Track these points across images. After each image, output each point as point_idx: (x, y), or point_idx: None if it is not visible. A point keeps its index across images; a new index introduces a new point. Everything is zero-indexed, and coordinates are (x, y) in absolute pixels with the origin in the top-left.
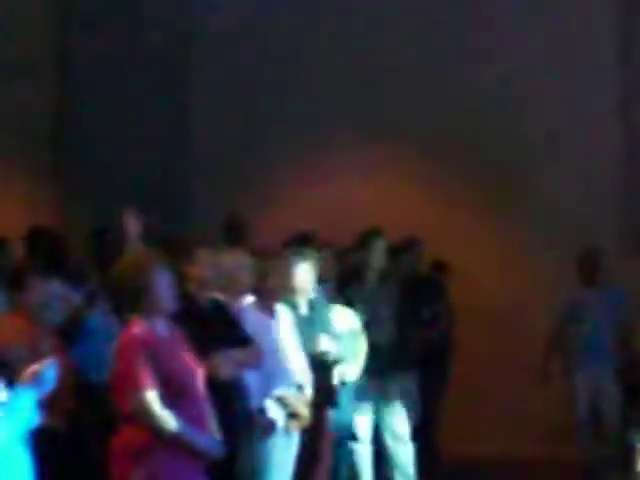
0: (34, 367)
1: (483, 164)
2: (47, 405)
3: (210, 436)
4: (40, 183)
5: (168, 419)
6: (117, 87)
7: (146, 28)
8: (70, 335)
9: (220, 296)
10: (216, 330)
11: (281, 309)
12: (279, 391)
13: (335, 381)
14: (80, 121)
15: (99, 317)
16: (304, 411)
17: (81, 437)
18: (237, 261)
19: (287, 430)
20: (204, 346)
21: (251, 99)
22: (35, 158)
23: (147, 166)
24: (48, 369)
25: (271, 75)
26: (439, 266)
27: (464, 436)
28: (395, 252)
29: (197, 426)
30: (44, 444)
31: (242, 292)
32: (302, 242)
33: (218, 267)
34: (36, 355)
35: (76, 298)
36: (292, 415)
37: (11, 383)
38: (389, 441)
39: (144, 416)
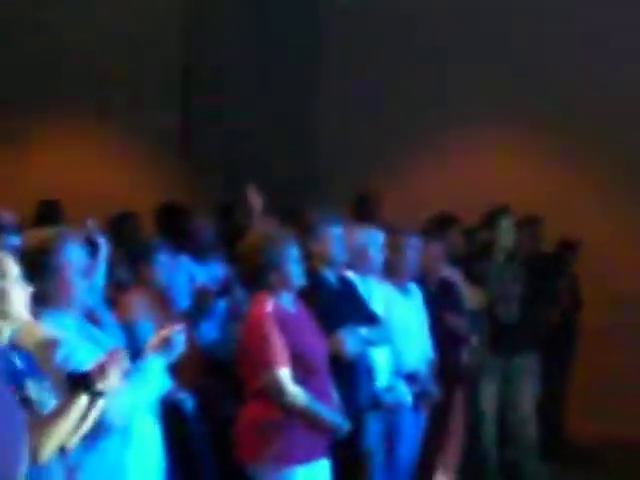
0: (162, 332)
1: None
2: (175, 378)
3: (336, 413)
4: (168, 159)
5: (298, 395)
6: (247, 62)
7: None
8: (197, 316)
9: (349, 272)
10: (343, 307)
11: (412, 286)
12: (407, 369)
13: (464, 358)
14: (207, 95)
15: (230, 301)
16: (433, 389)
17: (208, 412)
18: (367, 237)
19: (415, 408)
20: (331, 323)
21: (379, 70)
22: (163, 134)
23: (275, 142)
24: (176, 334)
25: (399, 43)
26: (567, 245)
27: (591, 416)
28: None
29: (324, 401)
30: (171, 415)
31: (372, 269)
32: (444, 223)
33: (347, 243)
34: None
35: (203, 275)
36: (421, 393)
37: (136, 355)
38: (514, 420)
39: (275, 392)
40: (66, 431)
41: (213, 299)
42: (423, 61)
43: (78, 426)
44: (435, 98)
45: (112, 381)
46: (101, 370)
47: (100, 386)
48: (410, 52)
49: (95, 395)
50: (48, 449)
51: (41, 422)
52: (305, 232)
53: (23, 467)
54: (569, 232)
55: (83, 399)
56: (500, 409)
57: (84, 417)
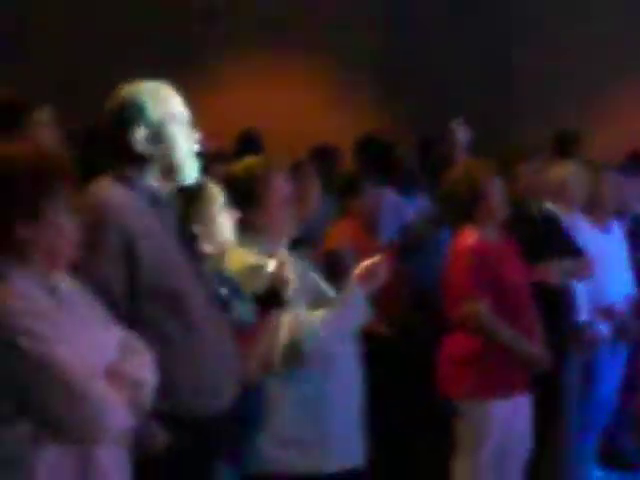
0: (364, 263)
1: None
2: (377, 308)
3: (538, 346)
4: (369, 94)
5: (499, 327)
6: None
7: None
8: (407, 249)
9: (551, 206)
10: (547, 239)
11: (613, 222)
12: (607, 304)
13: None
14: (406, 38)
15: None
16: (633, 324)
17: (408, 345)
18: (568, 172)
19: (614, 344)
20: (535, 254)
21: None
22: (363, 72)
23: (472, 81)
24: (379, 265)
25: None
26: None
27: None
28: None
29: (526, 335)
30: (370, 346)
31: (573, 204)
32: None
33: (549, 178)
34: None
35: (408, 209)
36: (620, 328)
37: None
38: None
39: (476, 325)
40: (268, 350)
41: (423, 231)
42: None
43: (276, 344)
44: None
45: (292, 286)
46: (280, 280)
47: (286, 295)
48: None
49: (284, 305)
50: (254, 369)
51: (244, 344)
52: (505, 167)
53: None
54: None
55: (277, 313)
56: None
57: (279, 333)
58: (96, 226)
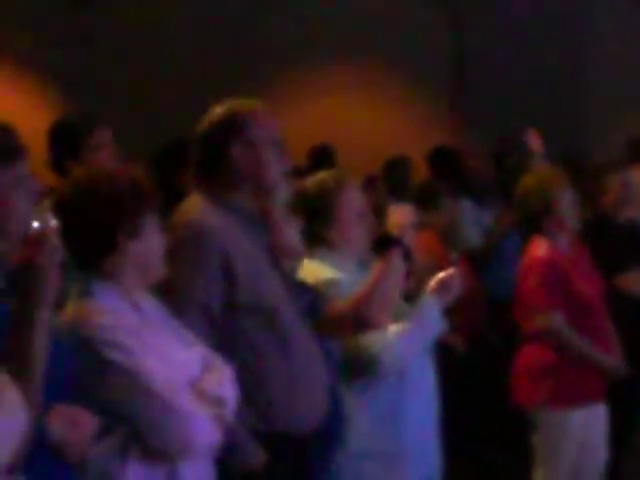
0: (439, 276)
1: None
2: (452, 325)
3: (614, 355)
4: (439, 108)
5: (573, 338)
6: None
7: None
8: (484, 259)
9: (630, 215)
10: (629, 249)
11: None
12: None
13: None
14: (479, 50)
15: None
16: None
17: (483, 357)
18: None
19: None
20: (618, 265)
21: None
22: (435, 84)
23: (544, 92)
24: (453, 278)
25: None
26: None
27: None
28: None
29: (600, 345)
30: (442, 360)
31: None
32: None
33: (627, 186)
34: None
35: (485, 219)
36: None
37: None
38: None
39: (549, 336)
40: (391, 292)
41: (501, 241)
42: None
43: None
44: None
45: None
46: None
47: (406, 240)
48: None
49: (405, 249)
50: (375, 309)
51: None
52: (587, 178)
53: None
54: None
55: (398, 254)
56: None
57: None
58: (192, 244)
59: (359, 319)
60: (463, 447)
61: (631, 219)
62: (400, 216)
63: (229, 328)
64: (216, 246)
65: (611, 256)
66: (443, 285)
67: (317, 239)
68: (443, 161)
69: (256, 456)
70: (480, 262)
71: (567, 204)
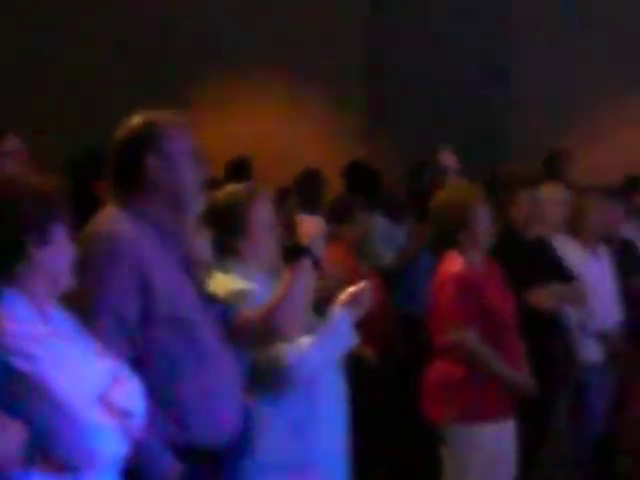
0: (350, 289)
1: None
2: (363, 336)
3: (524, 372)
4: (359, 121)
5: (485, 354)
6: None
7: None
8: (397, 274)
9: (538, 231)
10: (537, 265)
11: (599, 247)
12: (598, 329)
13: None
14: (398, 57)
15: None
16: (623, 349)
17: (394, 370)
18: (549, 195)
19: (605, 368)
20: (526, 280)
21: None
22: (355, 98)
23: (465, 102)
24: (364, 291)
25: None
26: None
27: None
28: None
29: (511, 362)
30: (353, 371)
31: (555, 227)
32: (630, 184)
33: (537, 202)
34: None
35: (398, 234)
36: (611, 353)
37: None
38: None
39: (462, 351)
40: (301, 302)
41: (412, 256)
42: None
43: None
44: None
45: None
46: (311, 236)
47: (316, 250)
48: None
49: (314, 259)
50: (284, 319)
51: (275, 296)
52: (501, 193)
53: None
54: None
55: (307, 264)
56: None
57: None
58: (106, 256)
59: (269, 329)
60: (375, 459)
61: (540, 236)
62: (309, 226)
63: (145, 340)
64: (131, 257)
65: (520, 272)
66: (354, 298)
67: (227, 250)
68: (358, 176)
69: (171, 468)
70: (392, 277)
71: (482, 219)
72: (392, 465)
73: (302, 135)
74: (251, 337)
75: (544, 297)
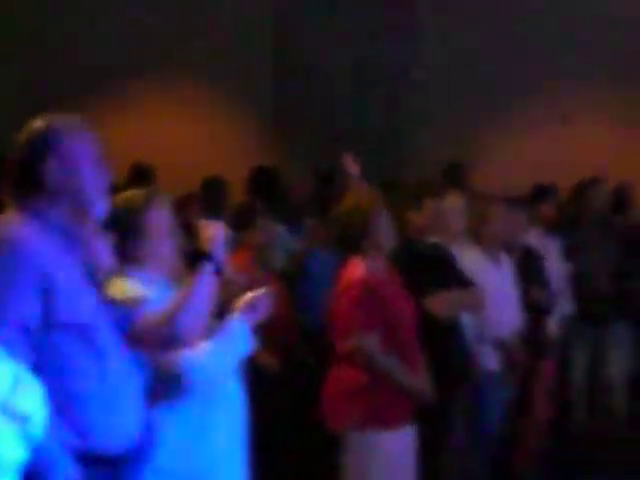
0: (248, 295)
1: None
2: (263, 343)
3: (423, 379)
4: (263, 126)
5: (384, 360)
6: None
7: None
8: (292, 277)
9: (438, 239)
10: (435, 272)
11: (501, 255)
12: (496, 336)
13: (548, 330)
14: (301, 65)
15: (320, 261)
16: (521, 357)
17: (294, 375)
18: (451, 204)
19: (502, 376)
20: (424, 287)
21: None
22: (259, 102)
23: (370, 109)
24: (263, 297)
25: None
26: None
27: None
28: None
29: (411, 368)
30: (254, 379)
31: (455, 235)
32: (537, 193)
33: (438, 211)
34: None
35: (295, 240)
36: (509, 361)
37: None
38: (603, 390)
39: (363, 357)
40: (202, 307)
41: (305, 260)
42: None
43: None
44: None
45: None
46: (213, 241)
47: (218, 255)
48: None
49: (216, 264)
50: (186, 324)
51: (176, 301)
52: (405, 200)
53: None
54: None
55: (208, 269)
56: (590, 379)
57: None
58: (7, 261)
59: (170, 335)
60: (277, 465)
61: (436, 242)
62: (211, 231)
63: (46, 346)
64: (32, 263)
65: (417, 279)
66: (252, 304)
67: (126, 256)
68: (261, 181)
69: (72, 474)
70: (289, 282)
71: (383, 225)
72: (294, 472)
73: (205, 140)
74: (152, 342)
75: (442, 304)
